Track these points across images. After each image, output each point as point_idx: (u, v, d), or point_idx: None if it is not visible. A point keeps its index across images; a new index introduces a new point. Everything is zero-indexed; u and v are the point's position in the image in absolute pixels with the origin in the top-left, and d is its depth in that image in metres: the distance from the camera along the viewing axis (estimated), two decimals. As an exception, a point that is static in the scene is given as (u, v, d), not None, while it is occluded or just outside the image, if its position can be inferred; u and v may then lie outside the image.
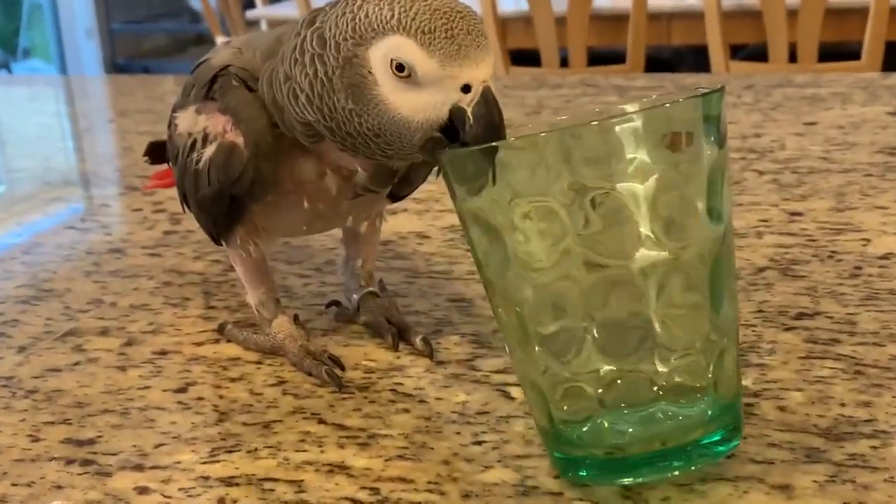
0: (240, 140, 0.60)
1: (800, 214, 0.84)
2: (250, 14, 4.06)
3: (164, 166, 0.76)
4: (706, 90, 0.48)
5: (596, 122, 0.48)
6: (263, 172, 0.60)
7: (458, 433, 0.56)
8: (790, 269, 0.73)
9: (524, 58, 2.98)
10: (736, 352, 0.50)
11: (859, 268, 0.73)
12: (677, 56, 3.46)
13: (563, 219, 0.46)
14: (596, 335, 0.47)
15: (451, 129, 0.53)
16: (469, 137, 0.52)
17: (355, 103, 0.55)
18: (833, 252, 0.76)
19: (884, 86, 1.25)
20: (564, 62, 2.86)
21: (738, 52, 3.03)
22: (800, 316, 0.66)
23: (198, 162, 0.62)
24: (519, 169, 0.48)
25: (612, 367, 0.48)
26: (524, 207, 0.47)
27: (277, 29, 0.62)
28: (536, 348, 0.49)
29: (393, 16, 0.52)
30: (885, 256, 0.75)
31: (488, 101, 0.52)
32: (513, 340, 0.50)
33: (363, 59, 0.54)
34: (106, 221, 0.95)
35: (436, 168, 0.60)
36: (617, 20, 2.97)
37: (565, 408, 0.49)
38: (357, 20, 0.53)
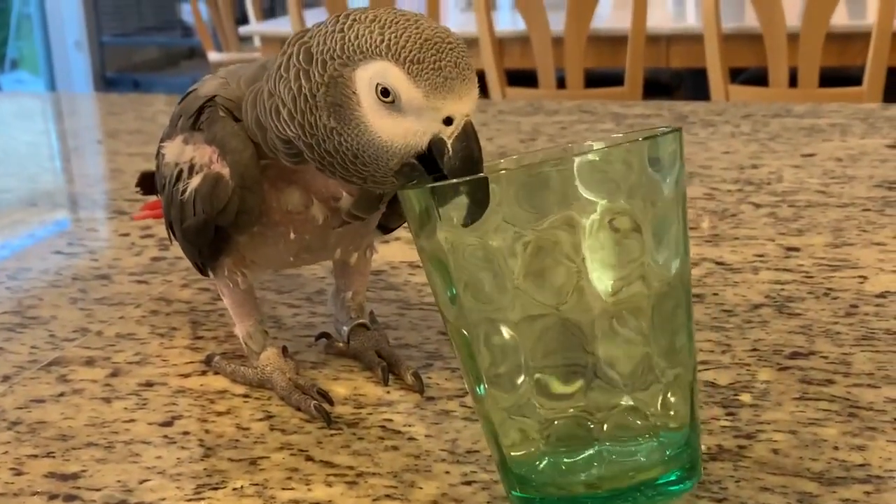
0: (226, 171, 0.59)
1: (796, 250, 0.84)
2: (243, 30, 4.06)
3: (155, 197, 0.76)
4: (664, 129, 0.49)
5: (536, 165, 0.49)
6: (248, 203, 0.59)
7: (447, 472, 0.55)
8: (785, 306, 0.73)
9: (521, 78, 2.98)
10: (690, 390, 0.50)
11: (855, 306, 0.72)
12: (676, 79, 3.47)
13: (503, 259, 0.47)
14: (535, 375, 0.48)
15: (428, 159, 0.54)
16: (447, 169, 0.53)
17: (337, 122, 0.54)
18: (829, 289, 0.75)
19: (884, 117, 1.25)
20: (562, 83, 2.87)
21: (738, 75, 3.03)
22: (794, 355, 0.66)
23: (183, 192, 0.61)
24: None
25: (552, 408, 0.48)
26: (469, 246, 0.47)
27: (262, 58, 0.62)
28: (484, 385, 0.49)
29: (383, 41, 0.52)
30: (882, 295, 0.74)
31: (469, 135, 0.53)
32: (467, 375, 0.51)
33: (349, 79, 0.53)
34: (93, 246, 0.94)
35: None
36: (615, 42, 2.98)
37: (513, 446, 0.50)
38: (346, 40, 0.53)
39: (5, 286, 0.85)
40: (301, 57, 0.55)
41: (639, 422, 0.49)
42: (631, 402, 0.48)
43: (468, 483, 0.54)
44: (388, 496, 0.53)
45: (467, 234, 0.47)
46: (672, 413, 0.49)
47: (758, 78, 2.84)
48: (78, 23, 5.98)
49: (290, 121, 0.56)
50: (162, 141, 0.65)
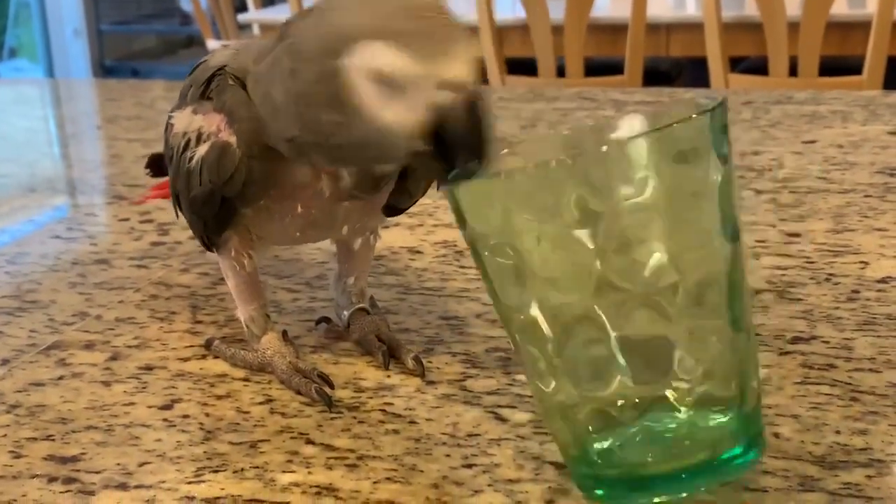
0: (233, 139, 0.59)
1: (797, 235, 0.83)
2: (242, 17, 4.05)
3: (165, 179, 0.75)
4: (711, 103, 0.48)
5: (602, 145, 0.48)
6: (255, 174, 0.59)
7: (448, 455, 0.55)
8: (787, 291, 0.73)
9: (520, 66, 2.97)
10: (756, 364, 0.50)
11: (857, 291, 0.72)
12: (676, 68, 3.46)
13: (574, 242, 0.46)
14: (616, 357, 0.47)
15: (440, 141, 0.52)
16: (450, 143, 0.51)
17: (339, 115, 0.53)
18: (830, 275, 0.75)
19: (885, 104, 1.24)
20: (561, 71, 2.86)
21: (738, 64, 3.03)
22: (796, 340, 0.66)
23: (190, 160, 0.61)
24: (528, 192, 0.47)
25: (632, 387, 0.48)
26: (534, 231, 0.46)
27: (273, 37, 0.61)
28: (558, 371, 0.48)
29: (370, 21, 0.52)
30: (884, 280, 0.74)
31: (471, 105, 0.51)
32: (534, 365, 0.49)
33: (339, 69, 0.52)
34: (92, 231, 0.94)
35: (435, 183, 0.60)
36: (615, 30, 2.97)
37: (590, 428, 0.49)
38: (327, 30, 0.53)
39: (4, 271, 0.84)
40: (289, 58, 0.55)
41: (718, 400, 0.49)
42: (708, 380, 0.48)
43: (469, 466, 0.54)
44: (388, 479, 0.53)
45: (533, 217, 0.47)
46: (746, 386, 0.49)
47: (758, 67, 2.83)
48: (76, 11, 5.96)
49: (293, 124, 0.55)
50: (173, 109, 0.65)
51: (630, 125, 0.54)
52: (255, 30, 3.76)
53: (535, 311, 0.47)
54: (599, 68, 2.91)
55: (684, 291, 0.46)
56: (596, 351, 0.47)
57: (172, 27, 6.44)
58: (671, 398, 0.48)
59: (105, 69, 6.04)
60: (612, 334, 0.47)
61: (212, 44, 4.37)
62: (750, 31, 2.82)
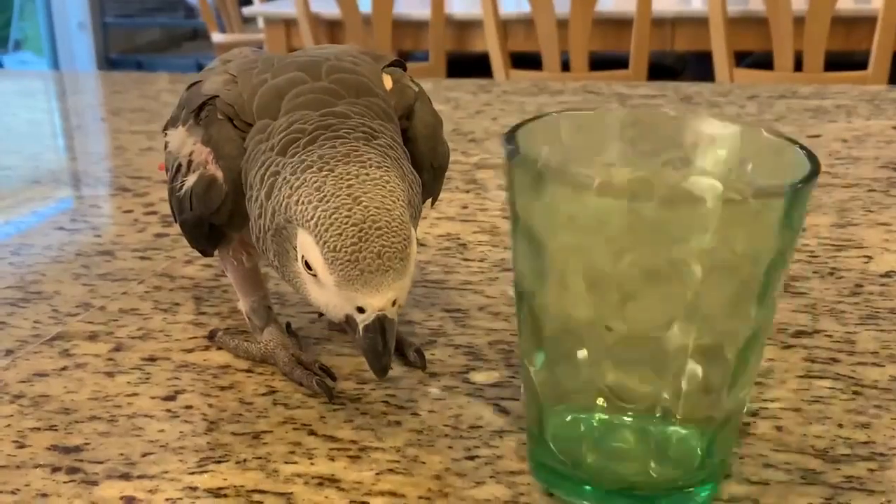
0: (220, 174, 0.59)
1: (802, 230, 0.83)
2: (247, 11, 4.05)
3: None
4: (803, 159, 0.45)
5: (664, 196, 0.44)
6: (242, 207, 0.59)
7: (450, 447, 0.55)
8: (790, 285, 0.73)
9: (525, 61, 2.97)
10: (736, 430, 0.50)
11: (860, 286, 0.72)
12: (681, 62, 3.46)
13: (604, 271, 0.44)
14: (607, 383, 0.47)
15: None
16: (357, 349, 0.54)
17: (280, 264, 0.56)
18: (834, 269, 0.75)
19: (889, 99, 1.24)
20: (566, 66, 2.86)
21: (743, 59, 3.02)
22: (798, 334, 0.66)
23: (180, 188, 0.61)
24: (578, 212, 0.45)
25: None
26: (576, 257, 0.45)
27: (283, 76, 0.60)
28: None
29: (313, 217, 0.52)
30: (887, 274, 0.74)
31: (378, 329, 0.52)
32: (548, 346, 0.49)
33: (291, 234, 0.53)
34: (96, 222, 0.94)
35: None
36: (620, 25, 2.97)
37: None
38: (292, 198, 0.53)
39: (8, 262, 0.84)
40: (264, 192, 0.55)
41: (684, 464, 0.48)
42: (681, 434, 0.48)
43: (471, 458, 0.54)
44: (390, 470, 0.53)
45: (577, 239, 0.45)
46: (714, 450, 0.49)
47: (763, 62, 2.83)
48: (81, 4, 5.97)
49: (252, 226, 0.57)
50: (167, 126, 0.65)
51: (703, 127, 0.52)
52: (260, 23, 3.76)
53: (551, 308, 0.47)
54: (604, 63, 2.91)
55: (695, 351, 0.45)
56: (587, 368, 0.47)
57: (177, 20, 6.45)
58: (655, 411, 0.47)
59: (110, 62, 6.04)
60: (609, 363, 0.46)
61: (216, 37, 4.37)
62: (755, 25, 2.82)
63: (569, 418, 0.49)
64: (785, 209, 0.43)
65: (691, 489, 0.49)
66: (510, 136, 0.48)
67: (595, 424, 0.49)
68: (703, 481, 0.49)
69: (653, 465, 0.48)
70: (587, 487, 0.49)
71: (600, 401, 0.47)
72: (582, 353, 0.47)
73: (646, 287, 0.44)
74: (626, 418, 0.48)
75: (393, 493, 0.51)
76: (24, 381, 0.64)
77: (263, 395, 0.61)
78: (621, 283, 0.44)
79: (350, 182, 0.52)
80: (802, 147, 0.47)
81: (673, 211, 0.43)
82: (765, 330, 0.47)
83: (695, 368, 0.45)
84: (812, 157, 0.46)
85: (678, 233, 0.43)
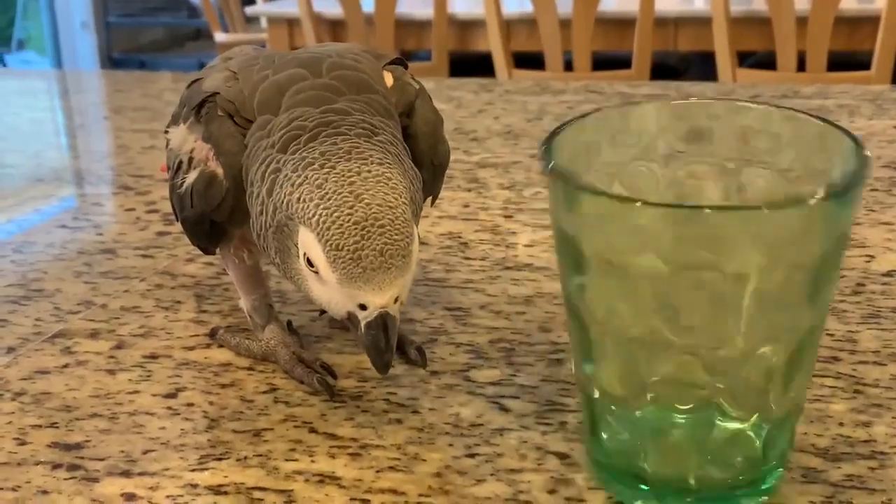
0: (220, 171, 0.59)
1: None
2: (250, 10, 4.06)
3: None
4: (855, 151, 0.44)
5: (713, 209, 0.43)
6: (243, 203, 0.59)
7: (451, 445, 0.55)
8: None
9: (528, 61, 2.97)
10: (793, 427, 0.50)
11: (862, 285, 0.72)
12: (684, 62, 3.46)
13: (650, 281, 0.43)
14: (660, 384, 0.46)
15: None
16: (359, 345, 0.54)
17: (281, 262, 0.56)
18: (834, 268, 0.75)
19: (892, 99, 1.24)
20: (569, 66, 2.86)
21: (746, 59, 3.02)
22: (799, 332, 0.65)
23: (181, 185, 0.61)
24: (619, 230, 0.44)
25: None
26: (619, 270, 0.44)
27: (284, 72, 0.60)
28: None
29: (314, 215, 0.52)
30: (889, 274, 0.74)
31: (380, 326, 0.52)
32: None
33: (293, 231, 0.54)
34: (98, 221, 0.94)
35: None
36: (623, 24, 2.97)
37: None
38: (293, 196, 0.53)
39: (10, 260, 0.84)
40: (265, 189, 0.55)
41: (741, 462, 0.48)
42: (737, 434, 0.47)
43: (472, 456, 0.54)
44: (391, 468, 0.53)
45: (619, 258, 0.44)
46: (771, 450, 0.48)
47: (766, 62, 2.83)
48: (84, 3, 5.97)
49: (253, 226, 0.57)
50: (169, 125, 0.65)
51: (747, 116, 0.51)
52: (263, 23, 3.76)
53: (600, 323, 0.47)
54: (607, 63, 2.91)
55: (749, 360, 0.44)
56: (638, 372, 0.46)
57: (180, 20, 6.45)
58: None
59: (113, 62, 6.05)
60: (654, 371, 0.46)
61: (219, 36, 4.37)
62: (758, 25, 2.82)
63: (622, 417, 0.49)
64: (836, 208, 0.42)
65: (748, 487, 0.48)
66: (547, 147, 0.47)
67: (649, 423, 0.48)
68: (761, 480, 0.49)
69: (708, 463, 0.48)
70: (643, 486, 0.49)
71: (653, 401, 0.47)
72: (630, 357, 0.46)
73: (697, 297, 0.43)
74: (679, 417, 0.47)
75: (393, 491, 0.51)
76: (25, 379, 0.64)
77: (264, 392, 0.61)
78: (667, 290, 0.43)
79: (352, 179, 0.52)
80: (850, 135, 0.46)
81: (723, 220, 0.42)
82: (819, 328, 0.47)
83: (745, 371, 0.45)
84: (858, 146, 0.44)
85: (729, 241, 0.42)
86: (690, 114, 0.52)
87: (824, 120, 0.48)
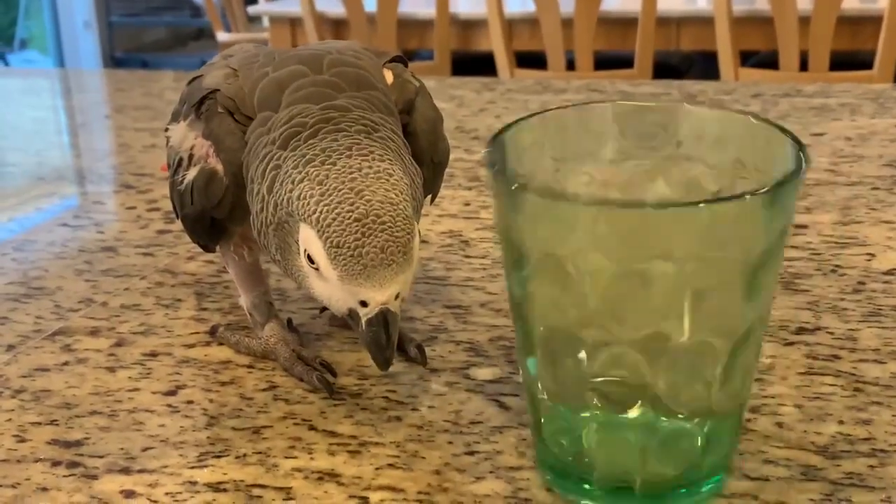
0: (220, 168, 0.59)
1: (804, 227, 0.83)
2: (252, 10, 4.06)
3: None
4: (792, 148, 0.45)
5: (642, 208, 0.45)
6: (243, 200, 0.59)
7: (450, 443, 0.55)
8: (793, 283, 0.73)
9: (530, 60, 2.97)
10: (737, 427, 0.50)
11: (863, 283, 0.72)
12: (686, 62, 3.45)
13: (575, 280, 0.44)
14: (601, 382, 0.46)
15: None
16: (360, 342, 0.54)
17: (282, 258, 0.56)
18: (837, 266, 0.75)
19: (894, 97, 1.24)
20: (571, 65, 2.86)
21: (749, 59, 3.02)
22: (800, 331, 0.65)
23: (181, 182, 0.61)
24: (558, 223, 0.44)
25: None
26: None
27: (285, 69, 0.60)
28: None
29: (315, 211, 0.52)
30: (890, 272, 0.74)
31: (381, 322, 0.52)
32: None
33: (293, 228, 0.54)
34: (99, 219, 0.94)
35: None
36: (625, 24, 2.97)
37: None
38: (293, 193, 0.53)
39: (11, 258, 0.85)
40: (266, 186, 0.55)
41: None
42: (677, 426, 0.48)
43: (471, 453, 0.54)
44: (390, 465, 0.53)
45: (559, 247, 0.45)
46: (711, 450, 0.48)
47: (768, 61, 2.82)
48: (87, 3, 5.98)
49: (253, 224, 0.57)
50: (170, 122, 0.65)
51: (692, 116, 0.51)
52: (265, 22, 3.76)
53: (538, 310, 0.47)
54: (609, 62, 2.91)
55: (683, 348, 0.45)
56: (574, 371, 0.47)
57: (183, 19, 6.46)
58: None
59: (115, 61, 6.05)
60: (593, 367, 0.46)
61: (222, 36, 4.38)
62: (760, 25, 2.81)
63: (566, 416, 0.49)
64: (772, 204, 0.43)
65: (691, 486, 0.49)
66: (493, 145, 0.48)
67: (592, 422, 0.48)
68: (704, 478, 0.49)
69: (652, 461, 0.48)
70: (587, 486, 0.49)
71: (595, 399, 0.47)
72: (573, 355, 0.46)
73: (635, 289, 0.43)
74: (622, 416, 0.48)
75: (392, 488, 0.51)
76: (25, 376, 0.64)
77: (264, 390, 0.61)
78: (608, 287, 0.44)
79: (353, 175, 0.52)
80: (791, 136, 0.46)
81: (663, 217, 0.43)
82: (759, 327, 0.47)
83: (688, 366, 0.45)
84: (800, 147, 0.45)
85: (665, 235, 0.43)
86: (637, 116, 0.53)
87: (766, 121, 0.49)
